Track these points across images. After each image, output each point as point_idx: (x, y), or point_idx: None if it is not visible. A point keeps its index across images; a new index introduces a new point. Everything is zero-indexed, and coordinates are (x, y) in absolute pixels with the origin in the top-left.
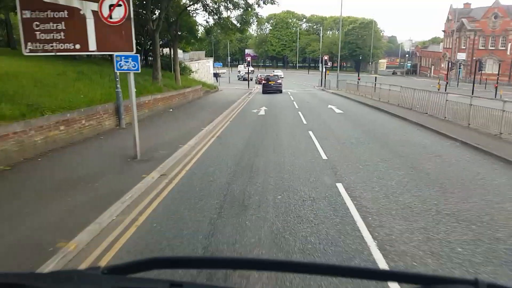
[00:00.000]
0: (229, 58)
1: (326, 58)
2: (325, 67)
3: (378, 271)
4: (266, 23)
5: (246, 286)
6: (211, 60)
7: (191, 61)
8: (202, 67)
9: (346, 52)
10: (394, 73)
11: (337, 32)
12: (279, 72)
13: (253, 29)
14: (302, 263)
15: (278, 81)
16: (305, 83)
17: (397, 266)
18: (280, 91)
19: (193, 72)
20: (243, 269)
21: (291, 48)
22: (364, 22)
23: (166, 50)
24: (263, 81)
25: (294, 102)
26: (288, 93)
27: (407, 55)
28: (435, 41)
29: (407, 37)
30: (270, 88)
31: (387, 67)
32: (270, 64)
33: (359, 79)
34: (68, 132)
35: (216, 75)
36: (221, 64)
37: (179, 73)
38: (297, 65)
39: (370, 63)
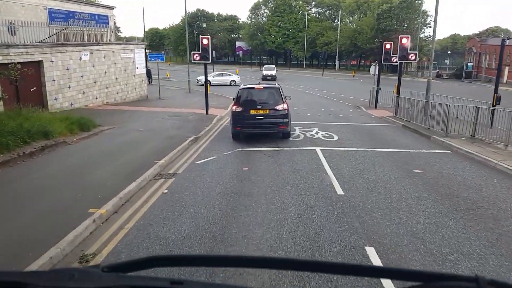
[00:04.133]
0: (187, 51)
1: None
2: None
3: (380, 269)
4: (263, 7)
5: (247, 284)
6: (140, 48)
7: (54, 47)
8: (106, 62)
9: (380, 43)
10: (439, 76)
11: (357, 17)
12: (270, 70)
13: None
14: (305, 261)
15: (279, 106)
16: (323, 92)
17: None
18: (287, 135)
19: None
20: (244, 267)
21: (296, 39)
22: (406, 1)
23: None
24: (236, 108)
25: None
26: (324, 164)
27: (448, 52)
28: (454, 38)
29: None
30: (256, 129)
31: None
32: (268, 62)
33: None
34: None
35: (149, 74)
36: (162, 56)
37: None
38: (304, 62)
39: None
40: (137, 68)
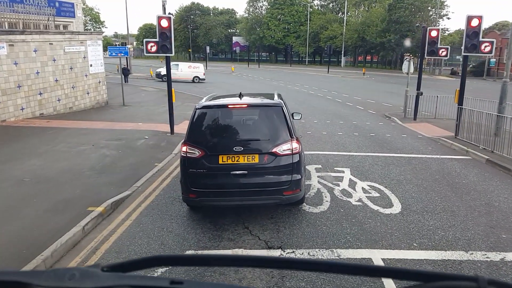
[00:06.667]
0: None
1: None
2: None
3: (379, 269)
4: None
5: (246, 283)
6: (95, 40)
7: None
8: (39, 58)
9: (391, 37)
10: (454, 73)
11: (364, 9)
12: (197, 69)
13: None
14: (304, 261)
15: (283, 147)
16: (332, 94)
17: None
18: (299, 202)
19: None
20: (244, 267)
21: (297, 33)
22: None
23: None
24: (188, 150)
25: None
26: None
27: (462, 47)
28: (460, 34)
29: None
30: (233, 199)
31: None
32: (267, 58)
33: None
34: None
35: (126, 72)
36: (126, 51)
37: None
38: (307, 59)
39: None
40: (91, 65)
